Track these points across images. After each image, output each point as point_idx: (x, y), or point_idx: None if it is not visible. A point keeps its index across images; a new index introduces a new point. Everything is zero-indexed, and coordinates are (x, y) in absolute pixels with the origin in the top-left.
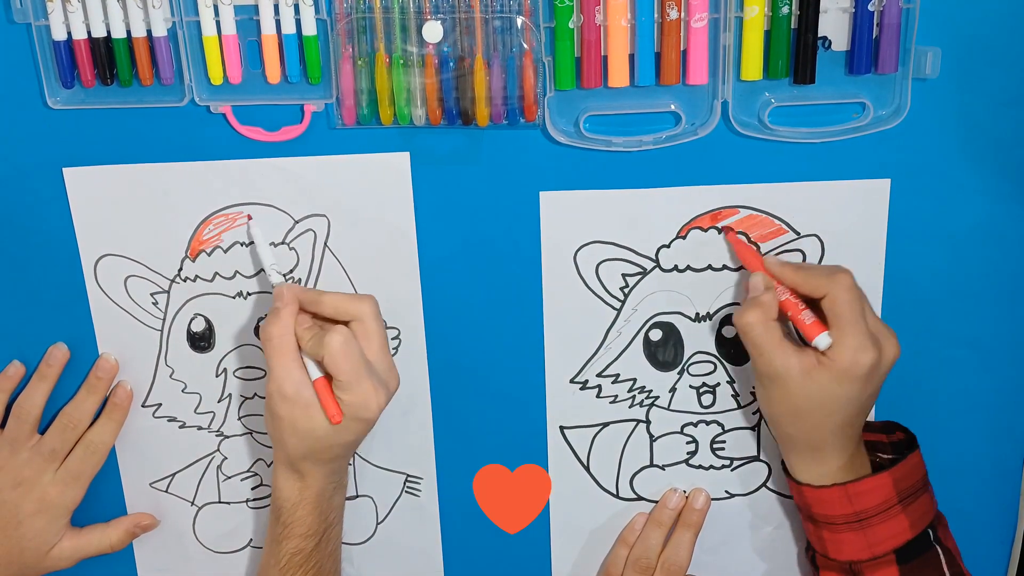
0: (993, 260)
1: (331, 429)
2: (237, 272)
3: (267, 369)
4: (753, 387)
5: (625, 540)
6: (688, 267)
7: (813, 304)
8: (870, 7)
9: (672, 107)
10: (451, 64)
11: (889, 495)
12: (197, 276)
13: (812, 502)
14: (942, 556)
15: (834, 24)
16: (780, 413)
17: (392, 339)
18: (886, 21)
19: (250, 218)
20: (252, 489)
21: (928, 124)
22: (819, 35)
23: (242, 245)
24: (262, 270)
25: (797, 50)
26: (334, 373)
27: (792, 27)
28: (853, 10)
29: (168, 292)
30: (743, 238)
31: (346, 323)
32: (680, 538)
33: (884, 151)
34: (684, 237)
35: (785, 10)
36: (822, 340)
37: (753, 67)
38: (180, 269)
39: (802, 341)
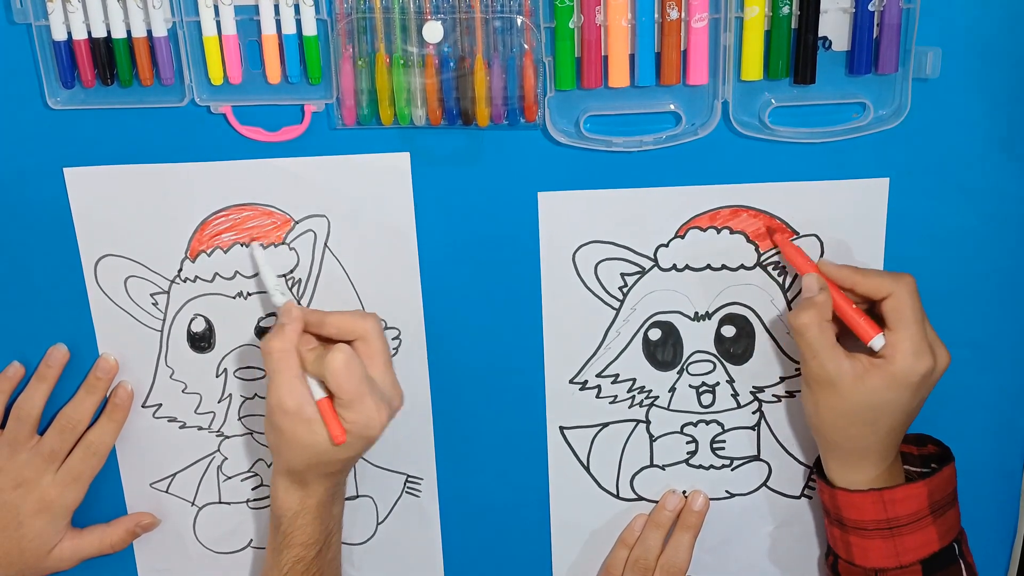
0: (993, 260)
1: (333, 446)
2: (237, 272)
3: (268, 384)
4: (754, 388)
5: (625, 541)
6: (687, 266)
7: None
8: (870, 7)
9: (672, 107)
10: (451, 64)
11: (922, 505)
12: (197, 277)
13: (844, 506)
14: (964, 572)
15: (834, 24)
16: (828, 418)
17: (392, 339)
18: (886, 21)
19: (253, 240)
20: (252, 489)
21: (928, 124)
22: (819, 35)
23: (242, 246)
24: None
25: (797, 50)
26: (336, 392)
27: (792, 27)
28: (853, 10)
29: (168, 292)
30: (792, 243)
31: (350, 342)
32: (679, 540)
33: (884, 151)
34: (683, 236)
35: (785, 10)
36: (878, 340)
37: (753, 67)
38: (180, 270)
39: (851, 344)
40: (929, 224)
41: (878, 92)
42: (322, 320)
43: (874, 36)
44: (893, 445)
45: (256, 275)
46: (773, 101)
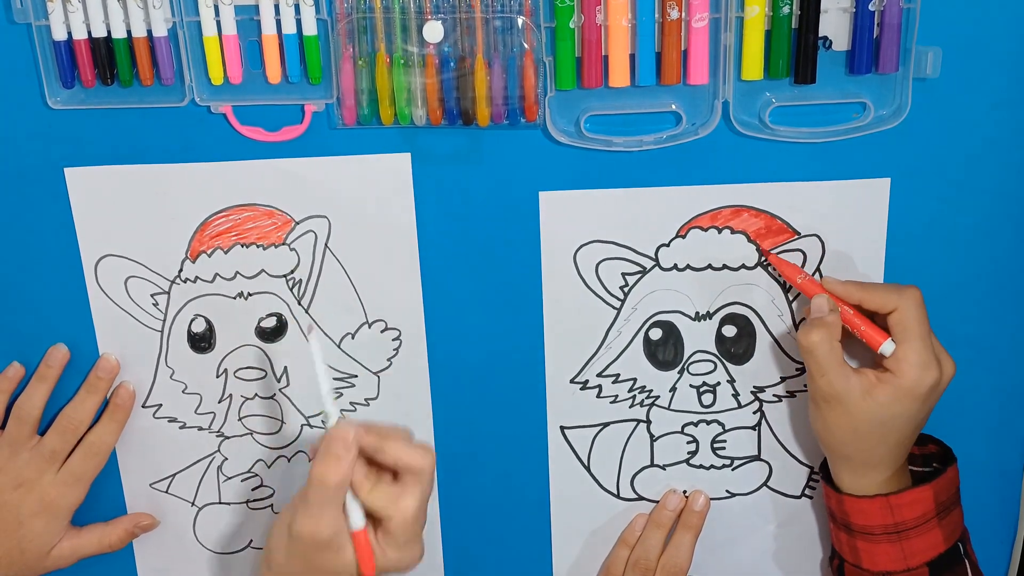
0: (993, 260)
1: (349, 564)
2: (237, 273)
3: (302, 508)
4: (755, 388)
5: (626, 541)
6: (688, 266)
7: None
8: (870, 7)
9: (673, 107)
10: (452, 64)
11: (928, 508)
12: (197, 277)
13: (852, 511)
14: (969, 570)
15: (835, 24)
16: (838, 434)
17: (392, 340)
18: (886, 21)
19: (311, 330)
20: (252, 490)
21: (928, 124)
22: (820, 35)
23: (243, 247)
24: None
25: (798, 50)
26: (396, 532)
27: (793, 27)
28: (853, 10)
29: (168, 293)
30: (784, 259)
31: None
32: (680, 540)
33: (884, 151)
34: (684, 236)
35: (786, 10)
36: (887, 346)
37: (754, 67)
38: (180, 270)
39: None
40: (929, 224)
41: (878, 92)
42: (380, 447)
43: (874, 36)
44: (902, 453)
45: (257, 275)
46: (773, 101)
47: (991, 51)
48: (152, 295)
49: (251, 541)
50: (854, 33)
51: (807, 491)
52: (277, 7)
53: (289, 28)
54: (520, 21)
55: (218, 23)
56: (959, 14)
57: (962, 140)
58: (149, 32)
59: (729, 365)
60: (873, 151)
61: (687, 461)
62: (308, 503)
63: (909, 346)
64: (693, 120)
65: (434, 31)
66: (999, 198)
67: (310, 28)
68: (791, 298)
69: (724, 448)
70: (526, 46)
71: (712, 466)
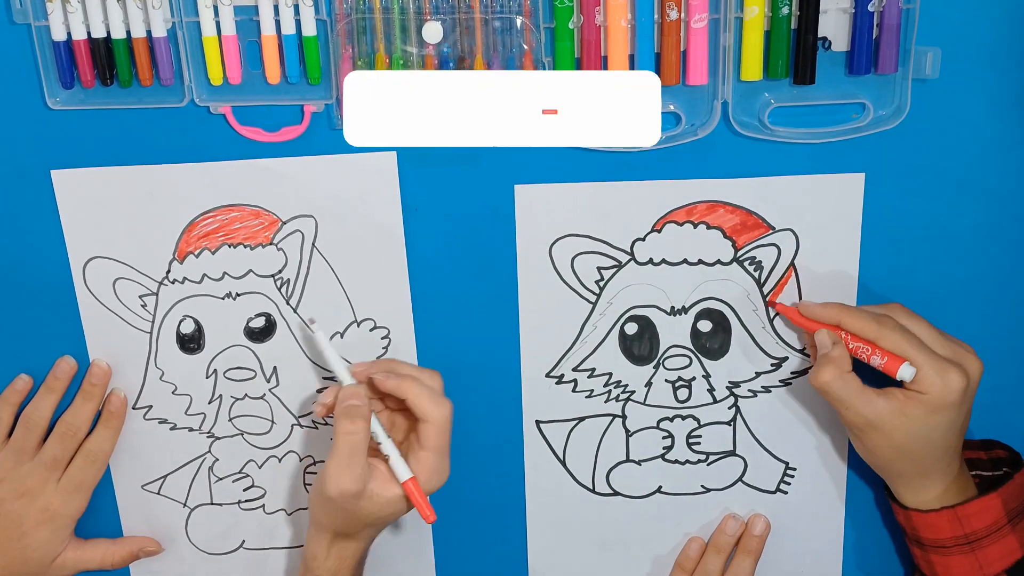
0: (994, 260)
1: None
2: (225, 273)
3: (330, 460)
4: (730, 383)
5: (682, 566)
6: (663, 260)
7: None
8: (870, 7)
9: (672, 108)
10: (451, 65)
11: (999, 515)
12: (185, 278)
13: (920, 526)
14: None
15: (834, 24)
16: (882, 454)
17: (381, 339)
18: (886, 21)
19: (313, 322)
20: (244, 491)
21: (928, 124)
22: (819, 35)
23: (230, 247)
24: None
25: (797, 51)
26: (436, 446)
27: (792, 28)
28: (853, 10)
29: (156, 294)
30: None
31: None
32: (740, 564)
33: (884, 151)
34: (659, 231)
35: (785, 10)
36: (905, 372)
37: (753, 68)
38: (168, 271)
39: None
40: (929, 224)
41: (878, 92)
42: (399, 388)
43: (874, 36)
44: (953, 459)
45: (245, 275)
46: (773, 101)
47: (991, 51)
48: (140, 296)
49: (243, 542)
50: (853, 34)
51: (782, 486)
52: (276, 8)
53: (288, 29)
54: (519, 22)
55: (217, 24)
56: (959, 14)
57: (962, 140)
58: (148, 33)
59: (704, 360)
60: (872, 151)
61: (662, 456)
62: (336, 455)
63: (915, 364)
64: (692, 121)
65: (433, 32)
66: (999, 198)
67: (309, 29)
68: (766, 293)
69: (699, 443)
70: (525, 47)
71: (687, 461)
